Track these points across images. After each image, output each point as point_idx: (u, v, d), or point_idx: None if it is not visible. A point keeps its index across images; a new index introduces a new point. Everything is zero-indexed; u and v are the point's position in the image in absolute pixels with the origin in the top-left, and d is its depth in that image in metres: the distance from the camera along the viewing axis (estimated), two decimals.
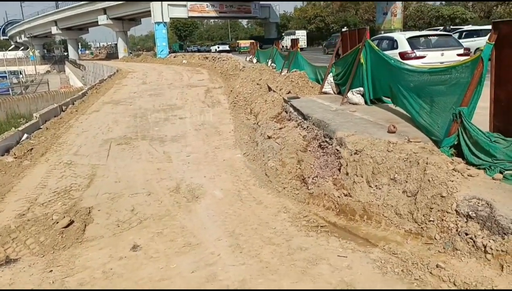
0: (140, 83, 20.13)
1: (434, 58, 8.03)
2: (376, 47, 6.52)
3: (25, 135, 9.02)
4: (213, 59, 28.00)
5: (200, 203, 5.10)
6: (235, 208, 4.81)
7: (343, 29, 31.04)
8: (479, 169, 3.51)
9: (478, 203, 2.99)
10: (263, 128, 7.86)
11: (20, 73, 54.52)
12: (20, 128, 9.32)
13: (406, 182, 3.67)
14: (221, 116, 11.07)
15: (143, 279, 3.37)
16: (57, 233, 4.37)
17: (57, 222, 4.58)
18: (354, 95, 7.12)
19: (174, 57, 37.87)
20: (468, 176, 3.38)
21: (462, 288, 2.70)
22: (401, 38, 8.82)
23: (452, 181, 3.30)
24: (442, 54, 8.16)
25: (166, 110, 12.05)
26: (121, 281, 3.38)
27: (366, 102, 6.90)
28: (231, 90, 14.53)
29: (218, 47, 45.45)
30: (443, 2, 50.15)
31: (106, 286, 3.33)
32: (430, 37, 9.09)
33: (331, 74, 8.70)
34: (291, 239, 3.86)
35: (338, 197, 4.35)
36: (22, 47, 78.58)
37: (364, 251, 3.43)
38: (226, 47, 45.25)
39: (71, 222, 4.60)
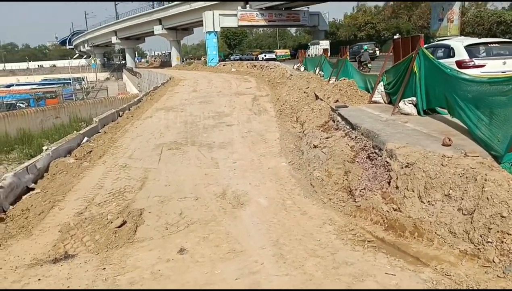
0: (191, 90, 20.84)
1: (495, 67, 7.52)
2: (431, 56, 6.24)
3: (86, 138, 9.69)
4: (261, 68, 28.32)
5: (245, 210, 5.16)
6: (279, 217, 4.81)
7: (395, 36, 30.03)
8: None
9: None
10: (309, 137, 7.80)
11: (83, 80, 58.82)
12: (81, 132, 10.03)
13: (462, 199, 3.46)
14: (267, 124, 11.14)
15: (189, 283, 3.47)
16: (111, 232, 4.63)
17: (111, 222, 4.86)
18: (406, 105, 6.86)
19: (224, 65, 38.81)
20: None
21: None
22: (458, 46, 8.36)
23: None
24: (504, 63, 7.61)
25: (214, 117, 12.36)
26: (168, 283, 3.50)
27: (419, 113, 6.62)
28: (278, 98, 14.60)
29: (265, 56, 46.15)
30: (505, 7, 46.87)
31: (154, 287, 3.47)
32: (491, 45, 8.52)
33: (381, 83, 8.46)
34: (336, 252, 3.78)
35: (387, 211, 4.20)
36: (85, 56, 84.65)
37: (414, 270, 3.28)
38: (273, 56, 45.86)
39: (124, 223, 4.85)
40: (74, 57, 75.18)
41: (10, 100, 32.93)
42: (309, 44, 42.47)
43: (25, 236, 4.86)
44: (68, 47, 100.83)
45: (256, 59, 45.01)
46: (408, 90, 6.89)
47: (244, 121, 11.61)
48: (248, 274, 3.51)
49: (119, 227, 4.77)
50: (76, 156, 8.29)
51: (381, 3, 58.03)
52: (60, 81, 58.71)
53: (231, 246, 4.11)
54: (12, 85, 59.17)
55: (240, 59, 48.96)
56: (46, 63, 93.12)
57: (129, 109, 14.77)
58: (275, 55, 44.85)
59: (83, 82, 57.17)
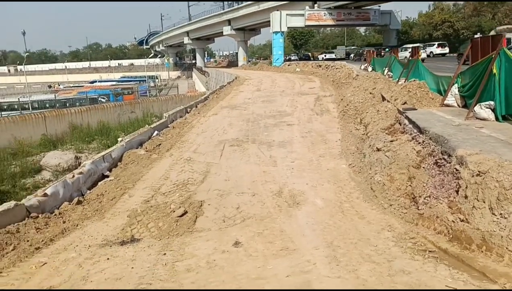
0: (254, 90, 21.21)
1: None
2: None
3: (156, 132, 10.37)
4: (326, 68, 27.85)
5: (301, 209, 5.16)
6: (335, 219, 4.74)
7: (475, 36, 27.53)
8: None
9: None
10: (373, 140, 7.54)
11: (156, 78, 62.72)
12: (152, 126, 10.76)
13: None
14: (329, 124, 10.96)
15: (241, 275, 3.58)
16: (173, 221, 4.93)
17: (174, 211, 5.17)
18: (483, 110, 6.32)
19: (288, 65, 38.83)
20: None
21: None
22: None
23: None
24: None
25: (275, 117, 12.46)
26: (221, 274, 3.64)
27: (497, 118, 6.07)
28: (342, 99, 14.27)
29: (325, 56, 45.30)
30: None
31: (208, 275, 3.63)
32: None
33: (456, 85, 7.88)
34: (394, 260, 3.63)
35: (453, 221, 3.92)
36: (160, 55, 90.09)
37: (479, 286, 3.04)
38: (333, 56, 44.89)
39: (185, 212, 5.13)
40: (150, 56, 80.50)
41: (93, 95, 36.27)
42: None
43: (98, 218, 5.36)
44: (145, 47, 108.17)
45: (316, 59, 44.20)
46: (486, 93, 6.34)
47: (305, 121, 11.55)
48: (299, 273, 3.52)
49: (180, 216, 5.05)
50: (146, 148, 8.92)
51: (460, 2, 53.84)
52: (137, 79, 63.25)
53: (285, 244, 4.14)
54: (95, 81, 65.10)
55: (299, 59, 48.37)
56: (125, 62, 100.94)
57: (196, 107, 15.47)
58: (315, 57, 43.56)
59: (157, 80, 60.99)
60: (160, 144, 9.36)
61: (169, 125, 11.56)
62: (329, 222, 4.68)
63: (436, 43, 34.77)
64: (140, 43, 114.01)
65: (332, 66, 26.81)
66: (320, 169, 7.02)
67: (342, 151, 8.11)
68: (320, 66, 30.37)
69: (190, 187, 6.32)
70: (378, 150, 6.80)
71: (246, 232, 4.51)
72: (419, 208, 4.66)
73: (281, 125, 11.14)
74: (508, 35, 28.72)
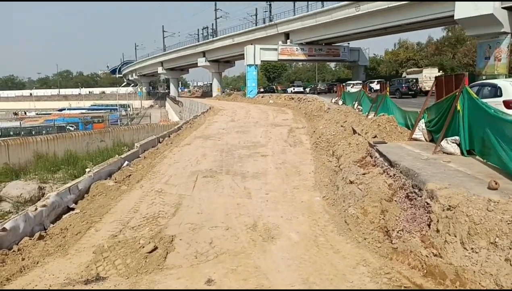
0: (229, 120, 21.30)
1: None
2: (475, 95, 6.02)
3: (126, 162, 10.07)
4: (299, 100, 28.53)
5: (276, 243, 5.05)
6: (310, 254, 4.66)
7: (437, 74, 29.24)
8: None
9: None
10: (345, 172, 7.63)
11: (128, 107, 61.93)
12: (122, 156, 10.46)
13: (510, 248, 3.20)
14: (302, 156, 11.06)
15: None
16: (142, 257, 4.69)
17: (143, 247, 4.92)
18: (449, 145, 6.58)
19: (262, 97, 39.53)
20: None
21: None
22: (506, 85, 8.02)
23: None
24: None
25: (250, 147, 12.47)
26: None
27: (462, 153, 6.32)
28: (314, 131, 14.54)
29: (294, 89, 47.11)
30: None
31: None
32: None
33: (423, 120, 8.21)
34: None
35: (426, 256, 3.95)
36: (132, 84, 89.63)
37: None
38: (301, 89, 46.91)
39: (155, 248, 4.90)
40: (122, 85, 79.79)
41: (61, 123, 35.17)
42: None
43: (61, 254, 5.02)
44: (117, 75, 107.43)
45: (284, 91, 45.77)
46: (451, 128, 6.63)
47: (278, 152, 11.61)
48: None
49: (150, 252, 4.82)
50: (115, 179, 8.61)
51: (423, 40, 57.45)
52: (108, 107, 62.24)
53: (259, 281, 4.01)
54: (64, 109, 63.46)
55: (265, 91, 50.19)
56: (96, 90, 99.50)
57: (169, 136, 15.28)
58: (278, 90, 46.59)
59: (129, 109, 60.22)
60: (130, 175, 9.08)
61: (140, 156, 11.29)
62: (304, 256, 4.60)
63: (376, 80, 35.49)
64: (113, 71, 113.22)
65: (304, 99, 27.50)
66: (295, 201, 6.99)
67: (316, 183, 8.15)
68: (292, 98, 31.09)
69: (161, 220, 6.09)
70: (351, 182, 6.88)
71: (219, 269, 4.34)
72: (393, 242, 4.68)
73: (255, 156, 11.13)
74: (414, 76, 31.98)
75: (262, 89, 53.82)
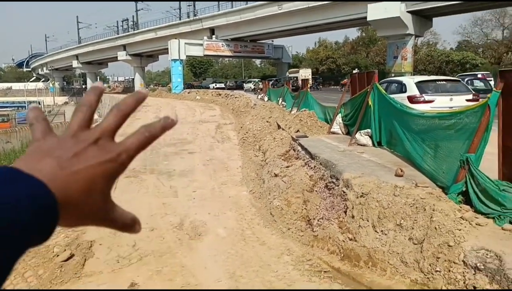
0: (153, 117, 20.50)
1: (443, 103, 8.04)
2: (384, 91, 6.59)
3: None
4: (226, 96, 28.59)
5: (203, 241, 5.02)
6: (237, 248, 4.72)
7: (354, 71, 31.70)
8: (488, 217, 3.40)
9: (487, 254, 2.88)
10: (270, 166, 7.85)
11: (39, 104, 56.36)
12: None
13: (413, 228, 3.58)
14: (230, 152, 11.13)
15: None
16: (56, 267, 4.32)
17: (58, 255, 4.55)
18: (362, 137, 7.12)
19: (188, 93, 38.80)
20: (476, 224, 3.28)
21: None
22: (410, 82, 8.91)
23: (460, 230, 3.20)
24: (451, 99, 8.18)
25: (176, 145, 12.18)
26: None
27: (373, 144, 6.88)
28: (241, 127, 14.71)
29: (215, 85, 48.15)
30: (453, 47, 51.09)
31: None
32: (439, 82, 9.16)
33: (339, 114, 8.77)
34: (293, 283, 3.74)
35: (343, 241, 4.24)
36: (43, 79, 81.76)
37: None
38: (222, 85, 48.44)
39: (72, 256, 4.56)
40: (31, 80, 72.32)
41: None
42: (288, 73, 44.25)
43: None
44: (25, 69, 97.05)
45: (200, 87, 46.69)
46: (364, 122, 7.18)
47: (206, 149, 11.53)
48: None
49: (66, 260, 4.47)
50: None
51: (341, 40, 61.36)
52: (15, 105, 55.99)
53: (186, 280, 3.95)
54: None
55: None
56: (1, 85, 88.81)
57: None
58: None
59: (39, 106, 54.80)
60: None
61: None
62: (231, 251, 4.64)
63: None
64: (20, 65, 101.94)
65: (231, 95, 27.62)
66: (222, 196, 7.01)
67: (243, 178, 8.26)
68: (220, 94, 31.03)
69: None
70: (276, 175, 7.10)
71: (143, 272, 4.18)
72: (314, 230, 4.94)
73: (182, 153, 10.91)
74: (295, 75, 38.92)
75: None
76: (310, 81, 34.34)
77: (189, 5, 47.27)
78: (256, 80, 44.04)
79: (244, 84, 44.33)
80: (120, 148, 0.42)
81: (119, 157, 0.41)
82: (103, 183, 0.40)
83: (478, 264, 2.87)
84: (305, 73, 37.91)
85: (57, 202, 0.35)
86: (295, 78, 36.18)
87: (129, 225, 0.44)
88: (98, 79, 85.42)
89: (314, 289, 3.38)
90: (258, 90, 34.31)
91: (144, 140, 0.43)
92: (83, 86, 78.85)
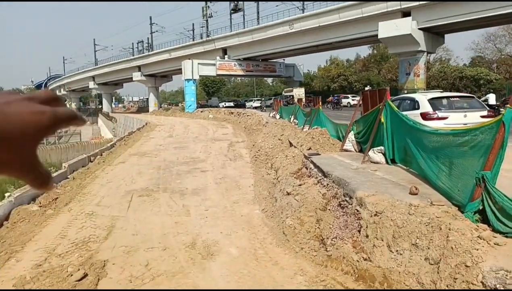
0: (166, 136, 20.80)
1: (457, 119, 7.96)
2: (396, 108, 6.56)
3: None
4: (238, 115, 28.84)
5: (215, 260, 4.99)
6: (250, 268, 4.67)
7: (366, 88, 31.77)
8: (507, 237, 3.31)
9: (507, 275, 2.78)
10: (283, 184, 7.82)
11: None
12: None
13: (429, 248, 3.49)
14: (242, 170, 11.14)
15: None
16: (70, 286, 4.35)
17: (72, 275, 4.58)
18: (376, 154, 7.06)
19: (201, 111, 39.29)
20: (494, 244, 3.19)
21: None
22: (422, 99, 8.86)
23: (477, 250, 3.11)
24: (465, 116, 8.09)
25: (189, 163, 12.27)
26: None
27: (387, 162, 6.81)
28: (253, 145, 14.76)
29: (225, 104, 48.87)
30: (467, 63, 50.71)
31: None
32: (453, 98, 9.08)
33: (352, 132, 8.74)
34: None
35: (357, 261, 4.16)
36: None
37: None
38: (231, 104, 50.29)
39: (85, 275, 4.58)
40: None
41: None
42: (283, 92, 47.72)
43: None
44: None
45: (212, 106, 47.78)
46: (377, 139, 7.13)
47: (218, 167, 11.57)
48: None
49: (79, 280, 4.49)
50: (40, 203, 7.92)
51: (352, 57, 61.62)
52: None
53: None
54: None
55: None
56: None
57: (101, 155, 14.48)
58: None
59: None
60: (57, 198, 8.42)
61: (68, 176, 10.54)
62: (244, 271, 4.60)
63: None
64: (38, 86, 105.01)
65: (243, 114, 27.86)
66: (235, 215, 6.99)
67: (255, 196, 8.23)
68: (232, 113, 31.34)
69: (92, 245, 5.71)
70: (288, 194, 7.06)
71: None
72: (328, 249, 4.87)
73: (194, 172, 10.97)
74: (290, 94, 41.60)
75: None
76: (304, 99, 38.59)
77: (202, 26, 48.32)
78: (262, 98, 47.04)
79: (246, 103, 47.21)
80: (50, 108, 0.48)
81: (48, 112, 0.46)
82: (34, 133, 0.45)
83: (497, 286, 2.78)
84: (298, 92, 41.84)
85: None
86: (291, 96, 39.78)
87: (46, 182, 0.49)
88: (114, 100, 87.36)
89: (315, 289, 3.30)
90: (264, 108, 37.86)
91: (71, 115, 0.50)
92: (99, 106, 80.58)
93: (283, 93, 47.22)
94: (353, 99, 37.88)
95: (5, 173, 0.45)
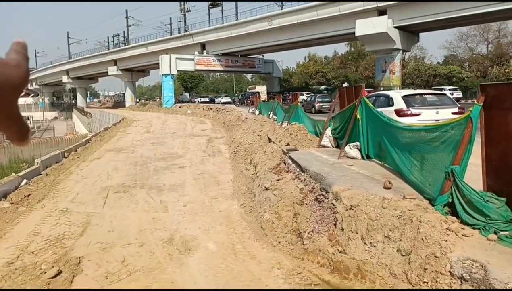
0: (143, 131, 20.49)
1: (429, 116, 8.22)
2: (371, 105, 6.72)
3: (24, 181, 9.05)
4: (217, 110, 28.71)
5: (193, 255, 4.99)
6: (227, 263, 4.70)
7: (344, 85, 32.23)
8: (473, 228, 3.47)
9: (472, 264, 2.93)
10: (261, 179, 7.88)
11: (28, 119, 55.70)
12: (20, 174, 9.37)
13: (400, 240, 3.62)
14: (221, 166, 11.13)
15: None
16: (44, 284, 4.25)
17: (45, 272, 4.47)
18: (351, 150, 7.21)
19: (180, 107, 38.88)
20: (462, 235, 3.34)
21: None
22: (396, 95, 9.09)
23: (446, 241, 3.25)
24: (437, 112, 8.36)
25: (166, 159, 12.15)
26: None
27: (362, 157, 6.97)
28: (233, 141, 14.75)
29: (200, 100, 48.76)
30: (440, 61, 52.25)
31: None
32: (425, 96, 9.36)
33: (329, 128, 8.88)
34: None
35: (333, 253, 4.26)
36: (32, 94, 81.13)
37: None
38: (207, 99, 50.26)
39: (59, 272, 4.49)
40: (20, 95, 71.50)
41: None
42: (248, 89, 50.14)
43: None
44: None
45: (183, 102, 48.65)
46: (353, 135, 7.28)
47: (197, 163, 11.51)
48: None
49: (53, 277, 4.40)
50: (12, 200, 7.68)
51: (330, 54, 62.41)
52: None
53: None
54: None
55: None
56: None
57: (76, 151, 14.14)
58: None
59: (28, 122, 54.21)
60: (29, 194, 8.17)
61: (41, 173, 10.24)
62: (222, 266, 4.62)
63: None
64: None
65: (222, 109, 27.75)
66: (213, 211, 6.99)
67: (234, 192, 8.25)
68: (211, 108, 31.16)
69: (66, 242, 5.59)
70: (267, 189, 7.12)
71: (133, 287, 4.13)
72: (304, 243, 4.95)
73: (172, 168, 10.87)
74: (254, 91, 44.85)
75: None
76: (265, 96, 42.12)
77: (179, 21, 47.71)
78: (228, 95, 50.71)
79: (216, 99, 49.45)
80: (24, 61, 0.53)
81: (22, 65, 0.52)
82: (15, 85, 0.49)
83: (464, 275, 2.91)
84: (261, 89, 47.28)
85: None
86: (257, 93, 41.77)
87: (27, 135, 0.54)
88: (89, 95, 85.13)
89: (312, 289, 3.37)
90: (237, 103, 40.60)
91: (21, 48, 0.54)
92: (73, 101, 78.36)
93: (247, 90, 52.08)
94: (307, 96, 38.27)
95: None
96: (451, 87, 33.29)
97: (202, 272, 4.47)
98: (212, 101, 48.16)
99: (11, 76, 0.48)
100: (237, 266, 4.60)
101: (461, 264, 2.99)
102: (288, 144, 9.33)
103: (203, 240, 5.53)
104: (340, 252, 4.15)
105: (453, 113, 8.06)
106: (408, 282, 3.33)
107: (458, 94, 30.48)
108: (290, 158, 7.88)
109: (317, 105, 25.00)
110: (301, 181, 6.59)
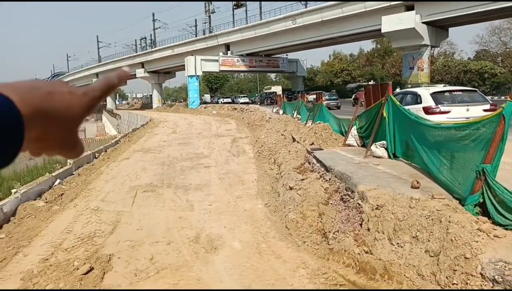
0: (170, 132, 20.89)
1: (459, 113, 7.95)
2: (398, 102, 6.57)
3: (58, 180, 9.44)
4: (241, 111, 28.88)
5: (218, 254, 5.06)
6: (253, 261, 4.73)
7: (369, 83, 31.64)
8: (506, 229, 3.34)
9: (505, 266, 2.82)
10: (285, 179, 7.87)
11: None
12: (53, 174, 9.79)
13: (429, 240, 3.53)
14: (245, 165, 11.19)
15: None
16: (76, 280, 4.43)
17: (78, 268, 4.66)
18: (378, 149, 7.08)
19: (205, 108, 39.38)
20: (494, 236, 3.22)
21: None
22: (425, 93, 8.84)
23: (477, 242, 3.15)
24: (468, 110, 8.07)
25: (192, 159, 12.34)
26: None
27: (389, 156, 6.83)
28: (257, 140, 14.80)
29: (223, 100, 48.98)
30: (471, 57, 50.33)
31: None
32: (455, 92, 9.05)
33: (354, 126, 8.75)
34: None
35: (359, 254, 4.21)
36: None
37: None
38: (229, 100, 50.39)
39: (91, 269, 4.66)
40: None
41: None
42: (264, 89, 52.69)
43: None
44: None
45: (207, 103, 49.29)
46: (379, 134, 7.15)
47: (222, 163, 11.63)
48: None
49: (85, 273, 4.57)
50: (46, 199, 8.03)
51: (355, 52, 61.34)
52: None
53: None
54: None
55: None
56: None
57: (106, 151, 14.60)
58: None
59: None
60: (62, 194, 8.53)
61: (74, 173, 10.66)
62: (247, 264, 4.66)
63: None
64: None
65: (246, 109, 27.89)
66: (238, 210, 7.05)
67: (259, 191, 8.29)
68: (235, 109, 31.39)
69: (97, 239, 5.80)
70: (291, 188, 7.11)
71: (160, 285, 4.24)
72: (330, 243, 4.92)
73: (198, 167, 11.04)
74: (271, 91, 45.51)
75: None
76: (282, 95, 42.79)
77: (204, 22, 48.30)
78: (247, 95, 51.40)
79: (235, 99, 49.66)
80: (86, 87, 0.53)
81: (86, 91, 0.52)
82: (78, 111, 0.50)
83: (496, 277, 2.81)
84: (276, 89, 47.13)
85: (22, 116, 0.42)
86: (274, 93, 43.06)
87: (80, 153, 0.55)
88: (117, 97, 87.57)
89: (338, 289, 3.35)
90: (259, 103, 40.77)
91: (104, 83, 0.54)
92: (103, 103, 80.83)
93: (264, 90, 52.93)
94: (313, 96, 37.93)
95: (50, 149, 0.50)
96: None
97: (228, 270, 4.52)
98: (233, 101, 48.72)
99: (74, 105, 0.49)
100: (262, 265, 4.62)
101: (493, 266, 2.89)
102: (312, 143, 9.27)
103: (228, 238, 5.59)
104: (366, 252, 4.10)
105: (485, 110, 7.76)
106: (436, 283, 3.25)
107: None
108: (314, 157, 7.83)
109: (324, 103, 24.82)
110: (326, 180, 6.53)
